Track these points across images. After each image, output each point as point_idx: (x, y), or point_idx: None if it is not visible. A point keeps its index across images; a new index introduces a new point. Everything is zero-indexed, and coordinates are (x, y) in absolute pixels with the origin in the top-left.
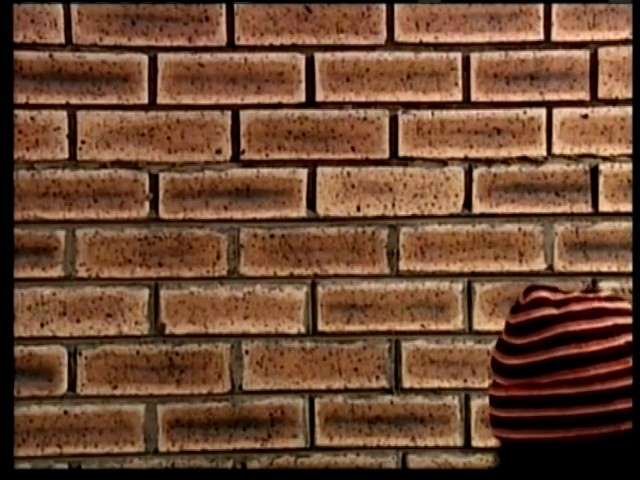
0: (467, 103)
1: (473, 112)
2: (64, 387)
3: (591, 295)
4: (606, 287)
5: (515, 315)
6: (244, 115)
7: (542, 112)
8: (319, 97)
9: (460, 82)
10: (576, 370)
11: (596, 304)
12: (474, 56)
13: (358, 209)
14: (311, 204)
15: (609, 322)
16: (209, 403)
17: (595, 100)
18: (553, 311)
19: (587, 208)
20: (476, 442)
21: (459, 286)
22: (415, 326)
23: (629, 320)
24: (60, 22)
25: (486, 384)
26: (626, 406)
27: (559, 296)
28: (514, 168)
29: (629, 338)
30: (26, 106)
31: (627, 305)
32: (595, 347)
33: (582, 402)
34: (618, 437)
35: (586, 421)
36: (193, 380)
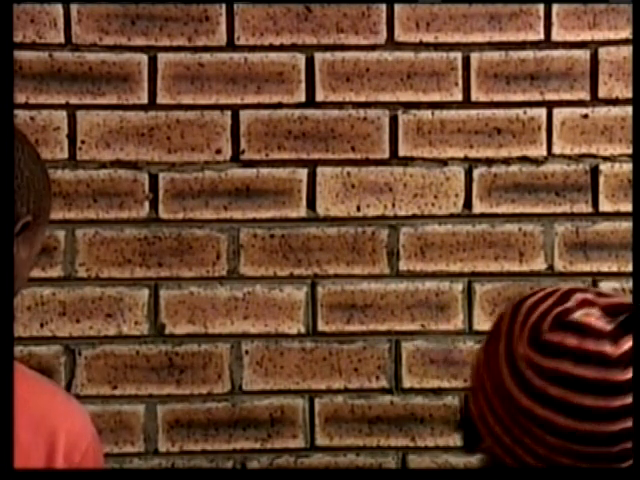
0: (467, 103)
1: (473, 112)
2: (63, 387)
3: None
4: (606, 287)
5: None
6: (244, 115)
7: (542, 112)
8: (319, 97)
9: (460, 82)
10: None
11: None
12: (474, 56)
13: (358, 209)
14: (311, 204)
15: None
16: (209, 403)
17: (595, 100)
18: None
19: (587, 208)
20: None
21: (459, 286)
22: (415, 326)
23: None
24: (60, 22)
25: None
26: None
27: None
28: (514, 168)
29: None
30: (26, 106)
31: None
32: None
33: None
34: None
35: None
36: (193, 380)
